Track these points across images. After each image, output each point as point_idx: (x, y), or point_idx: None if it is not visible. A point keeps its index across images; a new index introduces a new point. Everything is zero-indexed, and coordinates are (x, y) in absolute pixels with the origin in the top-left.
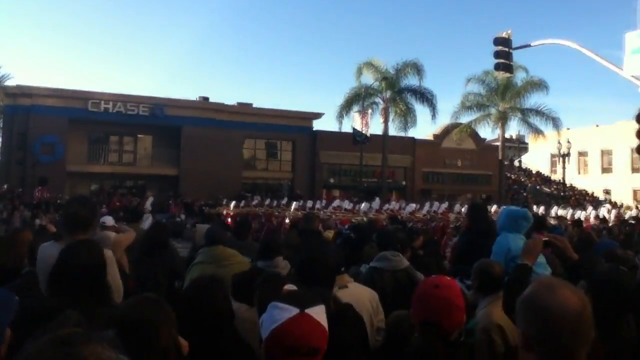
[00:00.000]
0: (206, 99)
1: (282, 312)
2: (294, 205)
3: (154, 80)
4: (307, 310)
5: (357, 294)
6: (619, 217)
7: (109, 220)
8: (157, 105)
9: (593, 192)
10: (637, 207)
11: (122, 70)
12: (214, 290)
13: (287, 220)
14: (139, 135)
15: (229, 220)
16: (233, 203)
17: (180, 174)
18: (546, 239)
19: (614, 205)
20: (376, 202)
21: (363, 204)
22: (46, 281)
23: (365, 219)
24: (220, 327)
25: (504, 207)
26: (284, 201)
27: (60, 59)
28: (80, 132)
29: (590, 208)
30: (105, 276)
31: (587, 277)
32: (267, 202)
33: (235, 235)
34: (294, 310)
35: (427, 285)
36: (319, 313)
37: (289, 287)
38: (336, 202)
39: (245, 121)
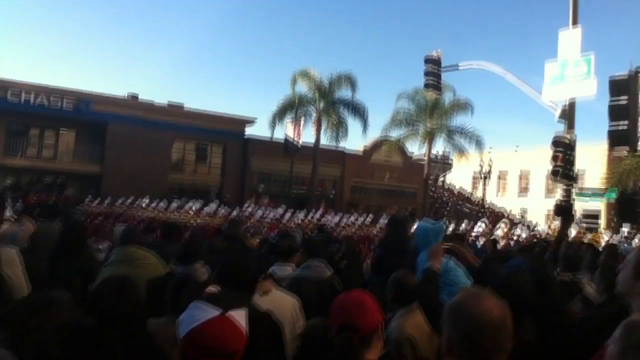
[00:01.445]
0: (135, 96)
1: (203, 312)
2: (221, 211)
3: (80, 74)
4: (229, 313)
5: (279, 301)
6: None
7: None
8: (82, 100)
9: (510, 211)
10: (549, 227)
11: (46, 62)
12: (124, 291)
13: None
14: (61, 130)
15: (88, 218)
16: (88, 198)
17: (103, 172)
18: (447, 246)
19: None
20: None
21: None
22: None
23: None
24: (132, 331)
25: (420, 223)
26: (212, 206)
27: None
28: None
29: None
30: None
31: (490, 283)
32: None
33: (164, 239)
34: (215, 312)
35: (342, 294)
36: (240, 317)
37: (212, 288)
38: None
39: (175, 122)
